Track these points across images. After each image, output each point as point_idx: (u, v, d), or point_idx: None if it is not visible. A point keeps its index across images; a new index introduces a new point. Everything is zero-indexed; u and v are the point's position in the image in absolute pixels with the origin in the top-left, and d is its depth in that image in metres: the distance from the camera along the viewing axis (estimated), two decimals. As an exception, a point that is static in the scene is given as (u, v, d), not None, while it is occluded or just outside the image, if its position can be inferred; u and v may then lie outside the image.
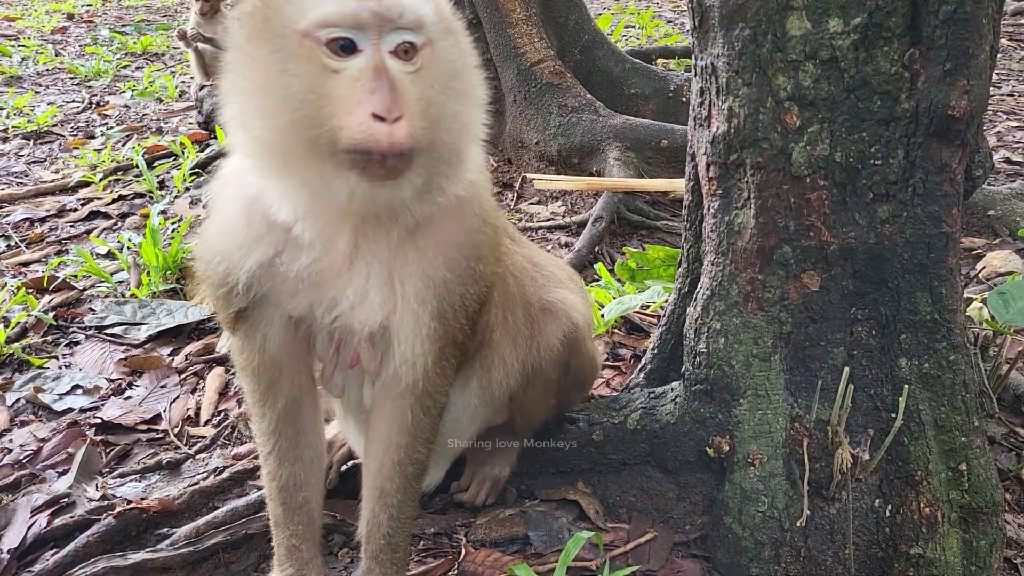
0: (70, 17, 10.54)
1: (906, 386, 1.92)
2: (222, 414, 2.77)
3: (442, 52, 1.47)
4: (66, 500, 2.35)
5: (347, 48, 1.36)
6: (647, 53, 6.58)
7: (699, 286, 2.08)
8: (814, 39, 1.78)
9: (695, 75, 2.03)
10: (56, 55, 8.31)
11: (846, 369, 1.94)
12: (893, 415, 1.98)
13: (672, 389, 2.22)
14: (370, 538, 1.83)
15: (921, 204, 1.83)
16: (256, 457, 2.46)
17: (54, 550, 2.13)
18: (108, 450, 2.59)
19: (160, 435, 2.67)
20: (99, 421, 2.71)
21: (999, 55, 3.43)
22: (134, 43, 8.70)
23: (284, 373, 1.76)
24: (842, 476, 2.00)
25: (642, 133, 4.25)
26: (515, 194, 4.49)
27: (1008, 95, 5.95)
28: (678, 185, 3.97)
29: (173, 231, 3.94)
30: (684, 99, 4.81)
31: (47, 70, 7.78)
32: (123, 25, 9.90)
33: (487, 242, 1.68)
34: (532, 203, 4.42)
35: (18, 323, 3.25)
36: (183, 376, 2.99)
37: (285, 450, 1.83)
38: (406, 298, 1.57)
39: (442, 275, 1.59)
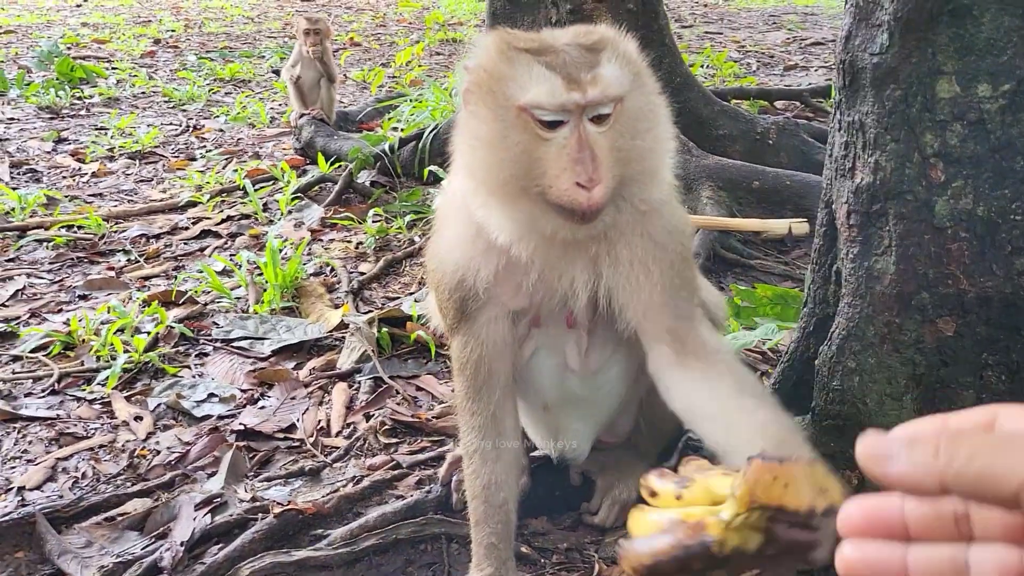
0: (157, 42, 11.02)
1: (1038, 430, 2.02)
2: (351, 427, 2.94)
3: (632, 104, 1.77)
4: (219, 500, 2.53)
5: (555, 124, 1.68)
6: (723, 94, 6.71)
7: (834, 326, 2.20)
8: (963, 102, 1.92)
9: (838, 129, 2.17)
10: (149, 78, 8.72)
11: (980, 411, 2.04)
12: (1020, 457, 2.08)
13: (798, 423, 2.34)
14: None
15: (1060, 258, 1.94)
16: (391, 468, 2.63)
17: (219, 544, 2.30)
18: (251, 455, 2.77)
19: (297, 443, 2.85)
20: (239, 428, 2.89)
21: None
22: (221, 69, 9.09)
23: (499, 365, 2.01)
24: (969, 513, 2.10)
25: (734, 173, 4.39)
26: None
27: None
28: (771, 226, 4.10)
29: (287, 253, 4.16)
30: (770, 141, 4.95)
31: (142, 93, 8.18)
32: (207, 51, 10.33)
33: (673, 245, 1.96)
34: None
35: (155, 334, 3.47)
36: (309, 390, 3.17)
37: (488, 450, 2.02)
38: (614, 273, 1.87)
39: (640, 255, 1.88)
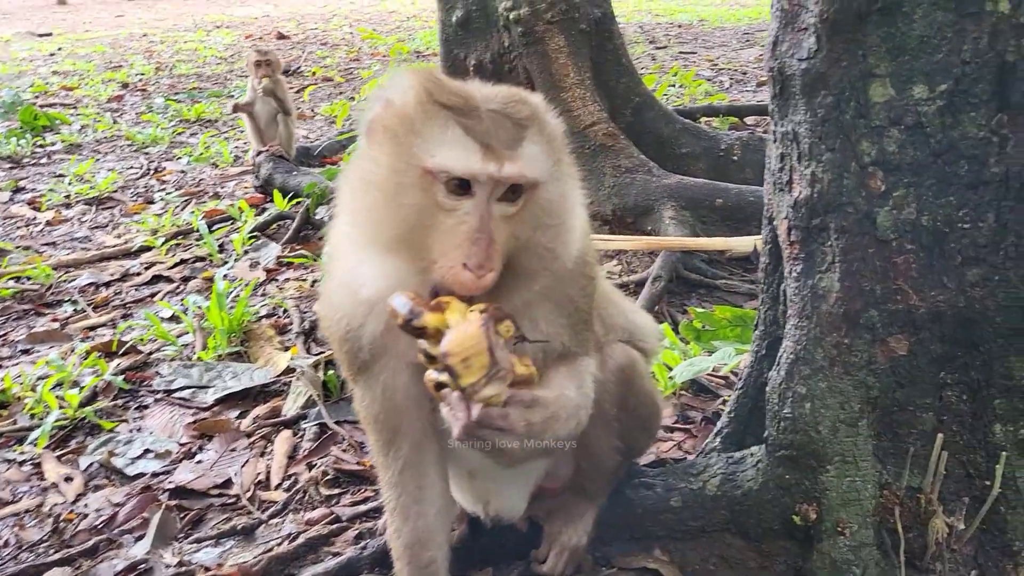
0: (125, 86, 10.93)
1: (1003, 453, 1.88)
2: (292, 478, 2.78)
3: (545, 194, 1.62)
4: (144, 566, 2.36)
5: (462, 187, 1.52)
6: (692, 112, 6.65)
7: (782, 350, 2.06)
8: (898, 105, 1.79)
9: (774, 140, 2.05)
10: (114, 123, 8.61)
11: (939, 436, 1.90)
12: (987, 483, 1.93)
13: (752, 454, 2.19)
14: None
15: (1014, 267, 1.80)
16: (330, 522, 2.47)
17: (136, 618, 2.13)
18: (182, 515, 2.61)
19: (232, 499, 2.69)
20: (172, 486, 2.73)
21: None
22: (188, 110, 8.99)
23: (406, 419, 1.83)
24: (937, 546, 1.95)
25: (696, 192, 4.27)
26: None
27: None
28: (735, 244, 3.98)
29: (237, 295, 4.01)
30: (734, 158, 4.84)
31: (105, 137, 8.06)
32: (176, 93, 10.24)
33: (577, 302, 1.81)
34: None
35: (91, 387, 3.31)
36: (252, 439, 3.01)
37: (407, 504, 1.87)
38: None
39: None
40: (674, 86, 8.68)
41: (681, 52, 12.05)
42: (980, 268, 1.83)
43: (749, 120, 6.97)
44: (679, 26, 15.19)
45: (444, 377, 1.48)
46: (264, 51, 6.05)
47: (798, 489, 2.04)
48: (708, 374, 2.99)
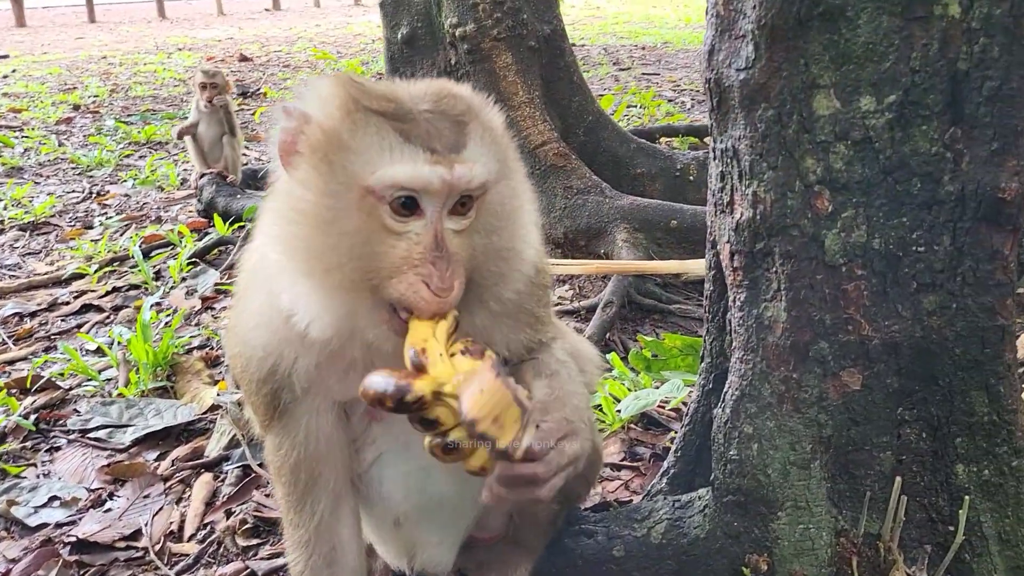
0: (76, 108, 10.63)
1: (966, 497, 1.72)
2: (208, 527, 2.55)
3: (495, 196, 1.45)
4: (32, 633, 2.12)
5: (409, 206, 1.35)
6: (650, 132, 6.54)
7: (727, 385, 1.89)
8: (844, 119, 1.64)
9: (714, 158, 1.89)
10: (59, 145, 8.31)
11: (898, 479, 1.74)
12: (951, 528, 1.78)
13: (700, 497, 2.01)
14: None
15: (972, 294, 1.66)
16: (243, 578, 2.24)
17: None
18: (82, 572, 2.36)
19: (140, 553, 2.45)
20: (74, 539, 2.49)
21: None
22: (138, 132, 8.72)
23: (326, 468, 1.66)
24: (898, 599, 1.78)
25: (651, 214, 4.12)
26: (521, 278, 4.34)
27: None
28: (690, 267, 3.82)
29: (166, 325, 3.78)
30: (691, 177, 4.71)
31: (49, 160, 7.77)
32: (129, 115, 9.97)
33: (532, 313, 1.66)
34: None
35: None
36: (168, 484, 2.78)
37: (319, 568, 1.67)
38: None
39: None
40: (635, 107, 8.59)
41: (644, 73, 12.03)
42: (936, 295, 1.68)
43: (709, 140, 6.87)
44: (643, 48, 15.22)
45: (461, 438, 1.31)
46: (211, 72, 5.83)
47: (748, 537, 1.87)
48: (658, 407, 2.82)
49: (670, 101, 9.11)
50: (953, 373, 1.72)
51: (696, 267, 3.81)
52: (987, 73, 1.54)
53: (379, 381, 1.29)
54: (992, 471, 1.74)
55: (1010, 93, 1.54)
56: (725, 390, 1.89)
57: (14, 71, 15.35)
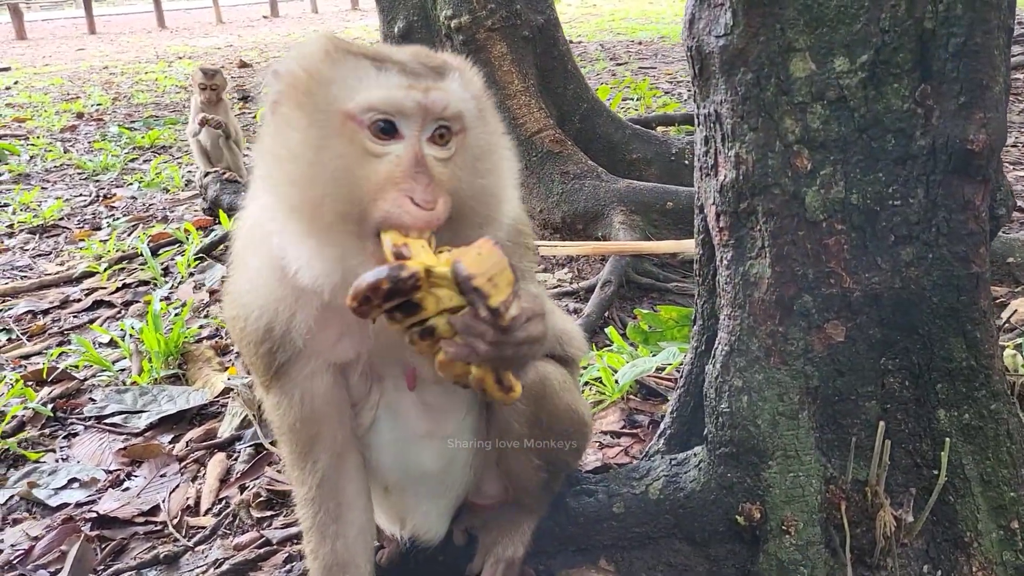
0: (80, 116, 10.75)
1: (947, 440, 1.80)
2: (223, 502, 2.63)
3: (474, 136, 1.52)
4: (57, 602, 2.21)
5: (388, 131, 1.41)
6: (647, 121, 6.61)
7: (717, 342, 1.97)
8: (820, 80, 1.72)
9: (698, 124, 1.97)
10: (65, 152, 8.43)
11: (881, 424, 1.82)
12: (935, 472, 1.85)
13: (695, 454, 2.09)
14: None
15: (947, 244, 1.73)
16: (259, 546, 2.33)
17: (41, 657, 1.98)
18: (103, 545, 2.46)
19: (159, 527, 2.54)
20: (95, 515, 2.58)
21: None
22: (142, 137, 8.83)
23: (324, 428, 1.71)
24: (886, 541, 1.86)
25: (646, 196, 4.20)
26: (522, 264, 4.42)
27: (1012, 146, 5.92)
28: (686, 246, 3.90)
29: (175, 316, 3.87)
30: (686, 162, 4.79)
31: (55, 167, 7.88)
32: (132, 122, 10.08)
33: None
34: (538, 271, 4.36)
35: (14, 416, 3.15)
36: (184, 464, 2.87)
37: (325, 523, 1.73)
38: None
39: None
40: (631, 99, 8.67)
41: (641, 68, 12.09)
42: (913, 247, 1.76)
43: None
44: (640, 43, 15.27)
45: (440, 323, 1.33)
46: (210, 73, 5.89)
47: (741, 488, 1.95)
48: (656, 376, 2.90)
49: (667, 93, 9.18)
50: (932, 321, 1.79)
51: (692, 246, 3.87)
52: (952, 31, 1.62)
53: (369, 273, 1.29)
54: (972, 415, 1.82)
55: (975, 49, 1.62)
56: (715, 346, 1.97)
57: (16, 83, 15.47)
